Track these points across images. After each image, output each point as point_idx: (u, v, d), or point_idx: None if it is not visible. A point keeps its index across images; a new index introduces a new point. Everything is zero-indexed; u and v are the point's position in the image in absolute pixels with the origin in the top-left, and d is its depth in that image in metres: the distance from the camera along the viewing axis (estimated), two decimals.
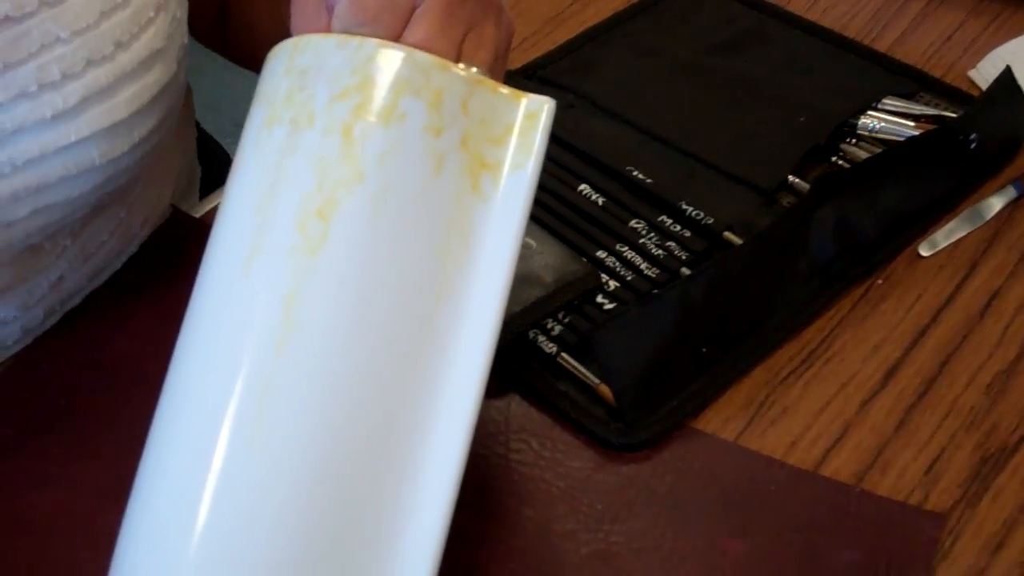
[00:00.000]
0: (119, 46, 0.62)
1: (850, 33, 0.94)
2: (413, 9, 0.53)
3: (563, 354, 0.69)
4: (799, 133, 0.83)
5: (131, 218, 0.73)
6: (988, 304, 0.75)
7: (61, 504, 0.63)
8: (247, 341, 0.51)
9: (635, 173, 0.79)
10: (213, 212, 0.79)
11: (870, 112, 0.84)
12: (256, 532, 0.49)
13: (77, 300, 0.72)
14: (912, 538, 0.62)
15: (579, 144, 0.81)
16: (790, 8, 0.96)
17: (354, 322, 0.51)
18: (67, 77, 0.60)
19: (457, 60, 0.54)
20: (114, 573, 0.52)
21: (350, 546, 0.49)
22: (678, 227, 0.77)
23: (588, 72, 0.89)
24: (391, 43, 0.53)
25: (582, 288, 0.71)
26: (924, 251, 0.77)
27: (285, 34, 0.56)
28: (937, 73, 0.90)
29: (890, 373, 0.70)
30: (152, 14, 0.64)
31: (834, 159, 0.83)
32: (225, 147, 1.07)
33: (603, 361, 0.67)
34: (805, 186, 0.79)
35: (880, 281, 0.76)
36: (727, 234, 0.76)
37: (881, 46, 0.93)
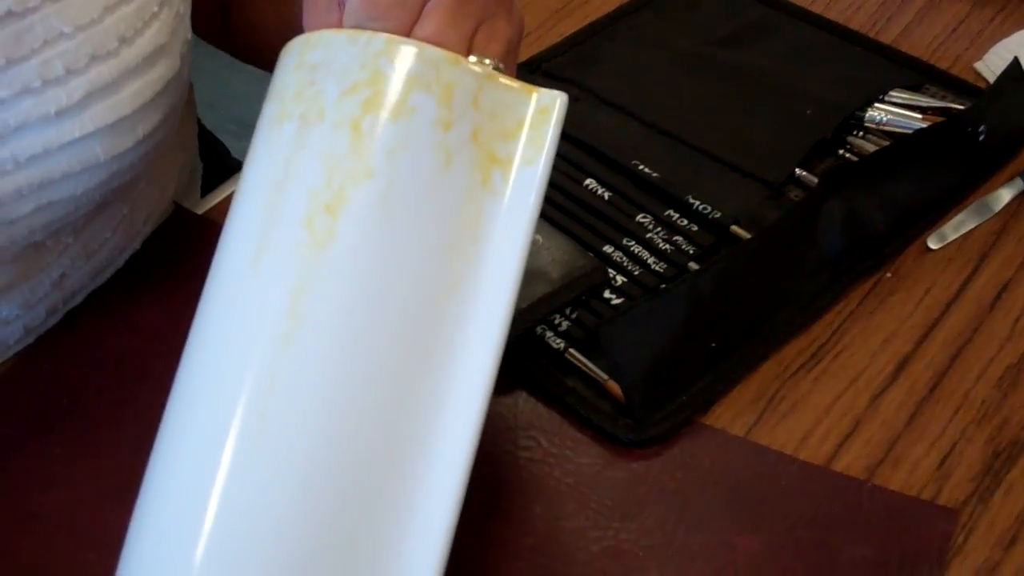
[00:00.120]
0: (123, 41, 0.62)
1: (855, 25, 0.94)
2: (424, 4, 0.53)
3: (571, 350, 0.69)
4: (805, 126, 0.82)
5: (134, 215, 0.73)
6: (998, 297, 0.74)
7: (65, 504, 0.62)
8: (254, 336, 0.51)
9: (641, 167, 0.79)
10: (216, 209, 0.79)
11: (876, 104, 0.83)
12: (262, 528, 0.49)
13: (80, 298, 0.72)
14: (925, 533, 0.62)
15: (584, 138, 0.80)
16: (795, 1, 0.95)
17: (361, 317, 0.50)
18: (71, 73, 0.60)
19: (468, 54, 0.53)
20: (122, 572, 0.51)
21: (356, 542, 0.49)
22: (685, 221, 0.76)
23: (593, 65, 0.88)
24: (401, 37, 0.52)
25: (589, 283, 0.71)
26: (933, 244, 0.77)
27: (289, 29, 0.55)
28: (943, 65, 0.90)
29: (900, 367, 0.70)
30: (156, 9, 0.64)
31: (841, 152, 0.82)
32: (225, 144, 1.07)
33: (612, 357, 0.67)
34: (812, 179, 0.79)
35: (889, 274, 0.75)
36: (734, 228, 0.75)
37: (886, 38, 0.93)
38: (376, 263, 0.51)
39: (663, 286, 0.72)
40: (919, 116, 0.82)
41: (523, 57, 0.89)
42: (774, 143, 0.81)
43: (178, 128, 0.72)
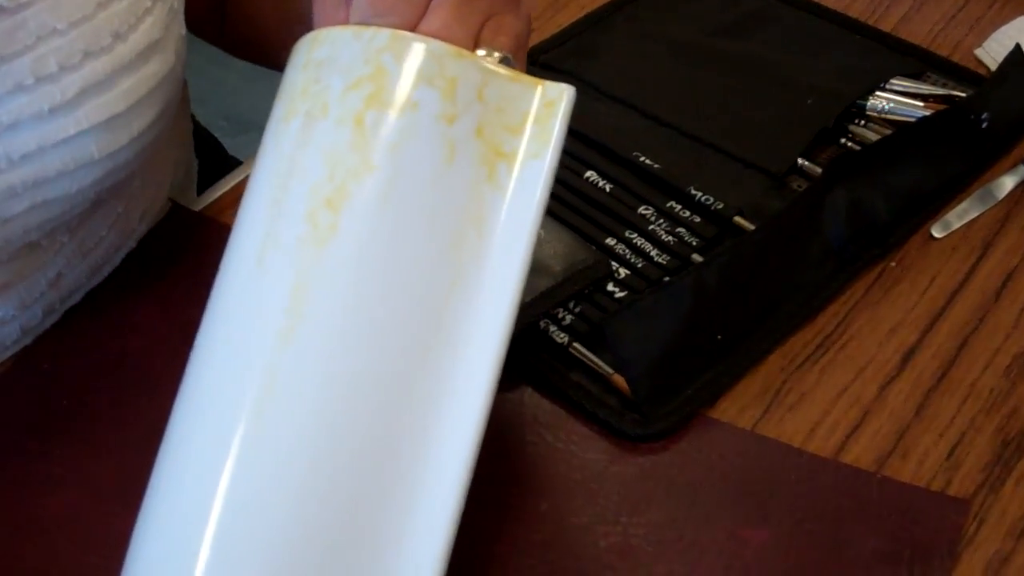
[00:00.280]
0: (117, 37, 0.61)
1: (854, 13, 0.93)
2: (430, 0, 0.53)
3: (575, 344, 0.68)
4: (807, 115, 0.82)
5: (129, 212, 0.72)
6: (1003, 285, 0.73)
7: (68, 506, 0.62)
8: (255, 333, 0.50)
9: (642, 159, 0.78)
10: (213, 206, 0.78)
11: (878, 93, 0.83)
12: (262, 526, 0.48)
13: (77, 298, 0.71)
14: (936, 524, 0.61)
15: (584, 130, 0.80)
16: None
17: (362, 313, 0.50)
18: (64, 69, 0.59)
19: (475, 49, 0.53)
20: (128, 569, 0.51)
21: (358, 539, 0.48)
22: (687, 213, 0.75)
23: (591, 57, 0.88)
24: (405, 32, 0.52)
25: (592, 276, 0.70)
26: (937, 232, 0.76)
27: (290, 23, 0.55)
28: (943, 52, 0.90)
29: (907, 357, 0.69)
30: (149, 4, 0.63)
31: (843, 141, 0.81)
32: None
33: (617, 350, 0.66)
34: (815, 169, 0.78)
35: (893, 264, 0.74)
36: (737, 219, 0.75)
37: (886, 26, 0.92)
38: (378, 258, 0.50)
39: (667, 279, 0.71)
40: (921, 104, 0.81)
41: None
42: (776, 133, 0.81)
43: (173, 125, 0.72)
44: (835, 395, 0.67)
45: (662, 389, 0.66)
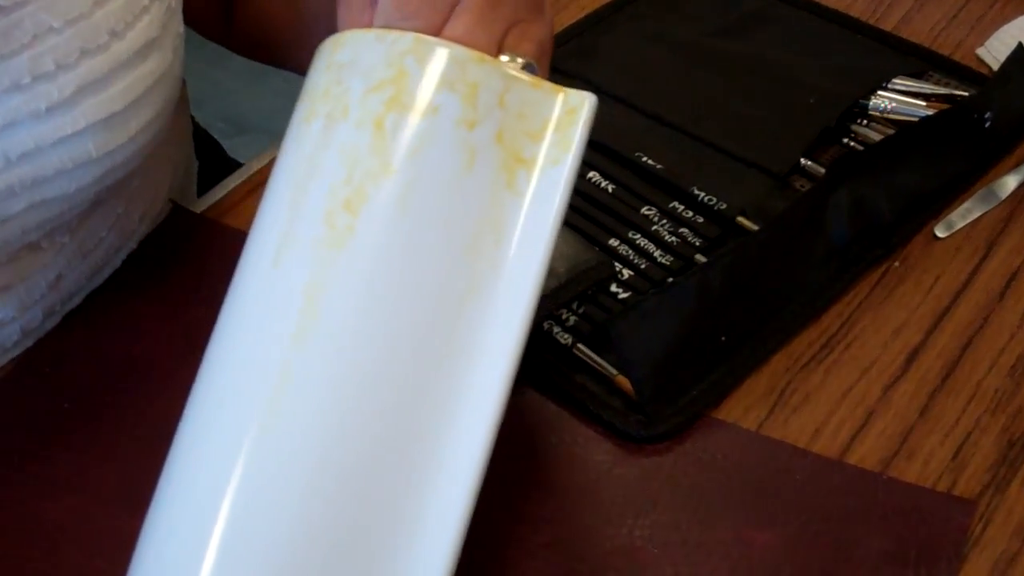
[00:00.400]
0: (113, 35, 0.61)
1: (855, 13, 0.93)
2: (455, 5, 0.52)
3: (579, 345, 0.68)
4: (809, 115, 0.81)
5: (129, 213, 0.72)
6: (1007, 285, 0.73)
7: (71, 510, 0.61)
8: (269, 332, 0.50)
9: (644, 159, 0.78)
10: (214, 207, 0.78)
11: (880, 92, 0.82)
12: (269, 526, 0.48)
13: (78, 300, 0.71)
14: (942, 525, 0.61)
15: None
16: None
17: (376, 316, 0.50)
18: (61, 68, 0.59)
19: (498, 55, 0.53)
20: (136, 567, 0.51)
21: (365, 542, 0.48)
22: (690, 213, 0.75)
23: (592, 57, 0.87)
24: (428, 37, 0.52)
25: (596, 277, 0.70)
26: (940, 232, 0.76)
27: (301, 23, 0.55)
28: (945, 52, 0.89)
29: (911, 357, 0.69)
30: (146, 2, 0.63)
31: (845, 141, 0.81)
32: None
33: (621, 351, 0.66)
34: (817, 169, 0.78)
35: (897, 264, 0.74)
36: (740, 219, 0.74)
37: (887, 25, 0.92)
38: (394, 261, 0.50)
39: (671, 279, 0.71)
40: (923, 103, 0.81)
41: None
42: (778, 133, 0.80)
43: (172, 124, 0.72)
44: (840, 396, 0.67)
45: (666, 390, 0.66)
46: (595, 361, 0.67)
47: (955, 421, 0.66)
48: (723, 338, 0.68)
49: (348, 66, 0.52)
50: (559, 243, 0.69)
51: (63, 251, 0.68)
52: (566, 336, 0.68)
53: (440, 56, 0.51)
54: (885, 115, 0.81)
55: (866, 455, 0.64)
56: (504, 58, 0.53)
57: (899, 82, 0.83)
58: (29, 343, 0.69)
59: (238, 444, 0.49)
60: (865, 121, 0.82)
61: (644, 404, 0.65)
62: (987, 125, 0.78)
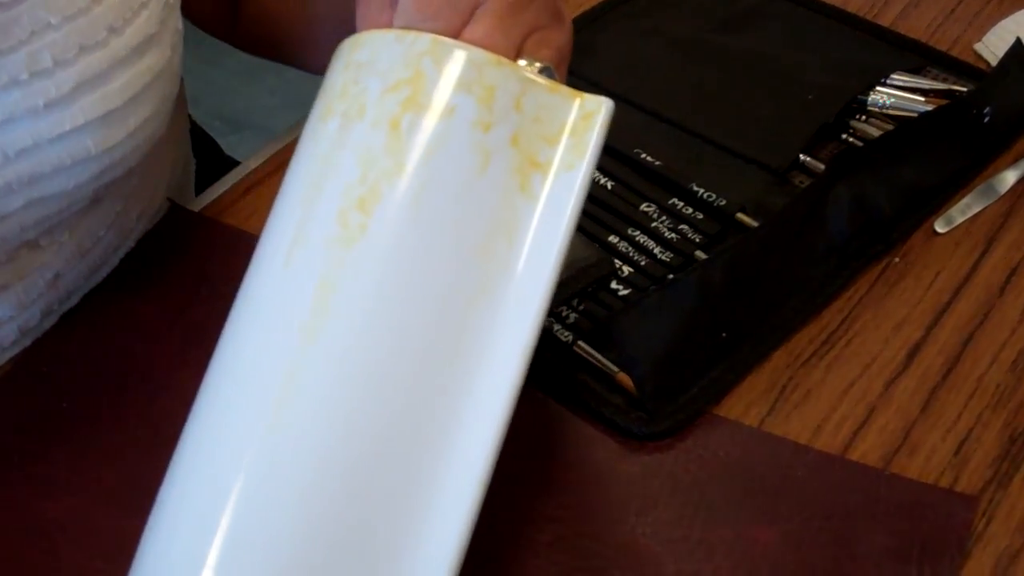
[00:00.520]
0: (111, 31, 0.60)
1: (852, 8, 0.93)
2: (475, 8, 0.53)
3: (580, 342, 0.67)
4: (808, 111, 0.81)
5: (128, 211, 0.72)
6: (1007, 280, 0.73)
7: (69, 510, 0.61)
8: (278, 330, 0.50)
9: (643, 156, 0.78)
10: (211, 206, 0.77)
11: (878, 88, 0.82)
12: (277, 525, 0.48)
13: (75, 299, 0.70)
14: (944, 521, 0.61)
15: None
16: None
17: (386, 316, 0.50)
18: (59, 64, 0.59)
19: (517, 59, 0.53)
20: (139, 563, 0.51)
21: (370, 543, 0.48)
22: (690, 209, 0.75)
23: (589, 54, 0.87)
24: (447, 38, 0.52)
25: (596, 275, 0.70)
26: (940, 228, 0.76)
27: (310, 20, 0.55)
28: (942, 47, 0.89)
29: (913, 353, 0.69)
30: None
31: (844, 136, 0.81)
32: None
33: (623, 348, 0.65)
34: (816, 164, 0.78)
35: (897, 260, 0.74)
36: (740, 215, 0.74)
37: (884, 21, 0.92)
38: (406, 262, 0.50)
39: (671, 276, 0.71)
40: (922, 99, 0.81)
41: None
42: (776, 129, 0.80)
43: (170, 121, 0.71)
44: (841, 392, 0.67)
45: (668, 387, 0.65)
46: (596, 358, 0.67)
47: (957, 417, 0.66)
48: (724, 335, 0.68)
49: (366, 66, 0.52)
50: None
51: (61, 250, 0.67)
52: (566, 334, 0.68)
53: (457, 58, 0.51)
54: (884, 111, 0.81)
55: (868, 451, 0.64)
56: (522, 62, 0.53)
57: (897, 77, 0.83)
58: (27, 343, 0.69)
59: (245, 442, 0.49)
60: (864, 117, 0.82)
61: (645, 401, 0.65)
62: (986, 120, 0.78)
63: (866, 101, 0.82)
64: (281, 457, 0.49)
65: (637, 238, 0.73)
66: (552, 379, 0.66)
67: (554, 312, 0.68)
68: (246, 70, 1.91)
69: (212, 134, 1.02)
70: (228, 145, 1.03)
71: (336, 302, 0.49)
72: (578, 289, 0.69)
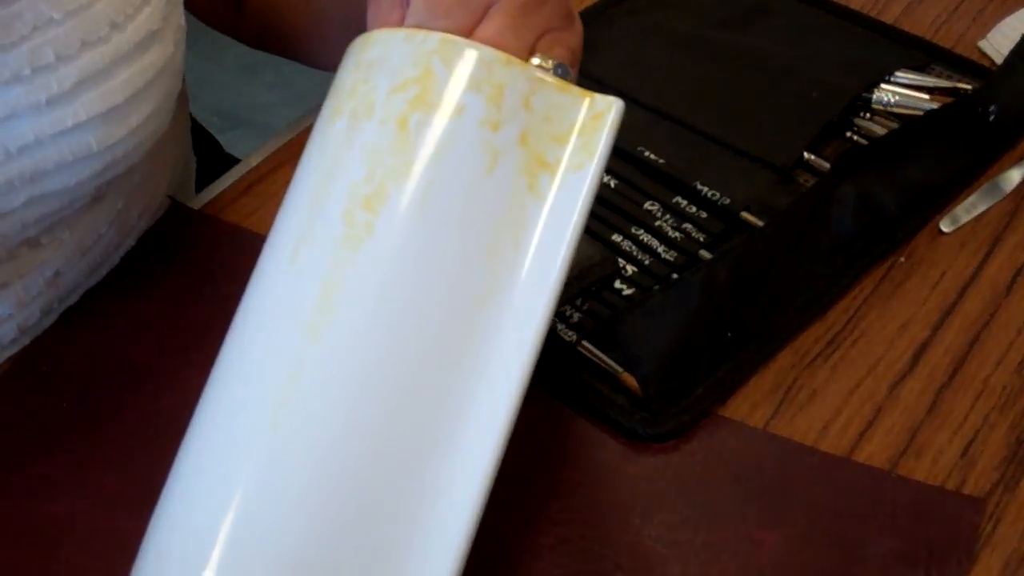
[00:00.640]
0: (114, 27, 0.60)
1: (855, 5, 0.92)
2: (488, 8, 0.52)
3: (583, 342, 0.67)
4: (812, 109, 0.81)
5: (128, 209, 0.71)
6: (1013, 280, 0.73)
7: (69, 511, 0.60)
8: (283, 329, 0.50)
9: (647, 154, 0.77)
10: (212, 204, 0.77)
11: (883, 86, 0.82)
12: (279, 524, 0.48)
13: (75, 297, 0.70)
14: (952, 524, 0.60)
15: None
16: None
17: (391, 315, 0.49)
18: (61, 59, 0.58)
19: (529, 60, 0.52)
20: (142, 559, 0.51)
21: (372, 541, 0.48)
22: (694, 208, 0.74)
23: (591, 52, 0.85)
24: (456, 37, 0.51)
25: (600, 274, 0.69)
26: (945, 227, 0.75)
27: (309, 14, 0.54)
28: (946, 44, 0.89)
29: (918, 354, 0.68)
30: None
31: (848, 134, 0.80)
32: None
33: (627, 348, 0.65)
34: (821, 163, 0.77)
35: (902, 259, 0.74)
36: (744, 214, 0.74)
37: (888, 18, 0.91)
38: (411, 261, 0.50)
39: (675, 275, 0.70)
40: (926, 97, 0.81)
41: None
42: (780, 127, 0.80)
43: (172, 118, 0.71)
44: (847, 392, 0.66)
45: (672, 387, 0.65)
46: (600, 358, 0.66)
47: (963, 418, 0.65)
48: (729, 334, 0.67)
49: (375, 64, 0.52)
50: None
51: (62, 247, 0.67)
52: (570, 333, 0.67)
53: (467, 57, 0.51)
54: (888, 109, 0.81)
55: (874, 453, 0.64)
56: (536, 59, 0.52)
57: (901, 75, 0.83)
58: (26, 341, 0.68)
59: (248, 441, 0.49)
60: (868, 115, 0.81)
61: (650, 401, 0.64)
62: (992, 119, 0.78)
63: (870, 99, 0.81)
64: (283, 457, 0.48)
65: (641, 237, 0.73)
66: (555, 379, 0.66)
67: (558, 311, 0.68)
68: (244, 66, 1.90)
69: (210, 130, 1.01)
70: (226, 141, 1.02)
71: (340, 301, 0.49)
72: (582, 288, 0.68)
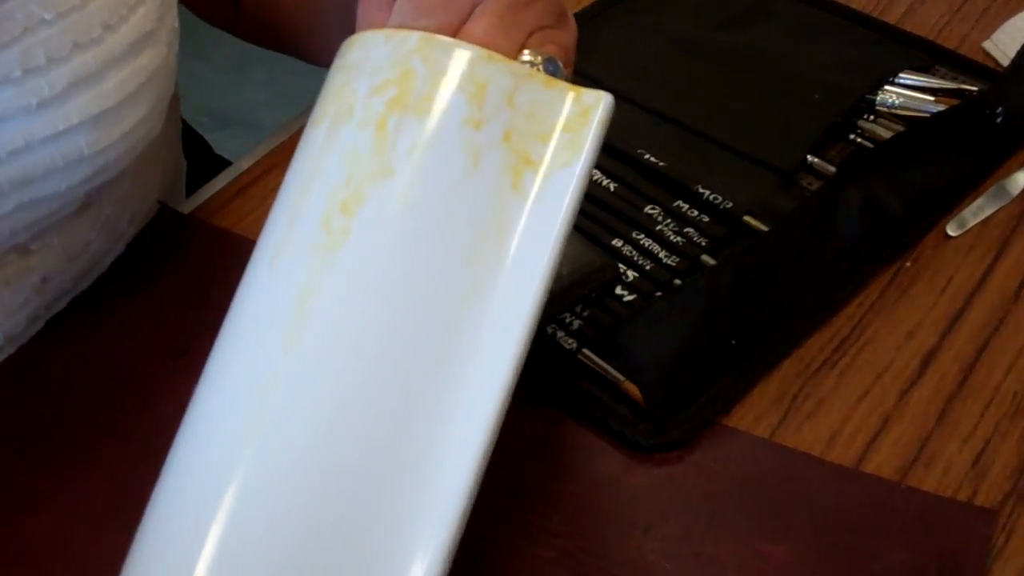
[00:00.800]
0: (107, 28, 0.59)
1: (857, 5, 0.91)
2: (475, 7, 0.51)
3: (584, 350, 0.65)
4: (815, 111, 0.79)
5: (118, 215, 0.70)
6: (1022, 285, 0.71)
7: (55, 525, 0.59)
8: (261, 337, 0.49)
9: (647, 156, 0.76)
10: (202, 208, 0.75)
11: (887, 87, 0.80)
12: (258, 535, 0.47)
13: (62, 304, 0.68)
14: (963, 536, 0.59)
15: None
16: None
17: (370, 322, 0.48)
18: (52, 62, 0.57)
19: (518, 57, 0.51)
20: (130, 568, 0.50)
21: (354, 551, 0.47)
22: (695, 212, 0.73)
23: (590, 53, 0.85)
24: (436, 36, 0.50)
25: (600, 280, 0.68)
26: (952, 231, 0.74)
27: (307, 8, 0.53)
28: (950, 45, 0.87)
29: (927, 361, 0.67)
30: None
31: (852, 136, 0.79)
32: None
33: (629, 356, 0.63)
34: (825, 166, 0.76)
35: (909, 264, 0.72)
36: (747, 218, 0.72)
37: (891, 19, 0.90)
38: (390, 265, 0.49)
39: (677, 281, 0.69)
40: (931, 98, 0.79)
41: None
42: (783, 129, 0.78)
43: (164, 122, 0.69)
44: (854, 401, 0.65)
45: (676, 396, 0.63)
46: (601, 367, 0.65)
47: (973, 427, 0.64)
48: (733, 342, 0.66)
49: (356, 66, 0.51)
50: None
51: (50, 254, 0.65)
52: (570, 341, 0.66)
53: (447, 55, 0.50)
54: (892, 111, 0.79)
55: (883, 463, 0.62)
56: (526, 54, 0.51)
57: (906, 76, 0.81)
58: (11, 350, 0.67)
59: (231, 447, 0.48)
60: (872, 117, 0.80)
61: (653, 411, 0.63)
62: (999, 120, 0.76)
63: (874, 100, 0.80)
64: (263, 464, 0.48)
65: (642, 242, 0.71)
66: (556, 388, 0.65)
67: (558, 319, 0.66)
68: (233, 65, 1.88)
69: (199, 130, 1.00)
70: (215, 141, 1.01)
71: (316, 308, 0.48)
72: (582, 295, 0.67)
